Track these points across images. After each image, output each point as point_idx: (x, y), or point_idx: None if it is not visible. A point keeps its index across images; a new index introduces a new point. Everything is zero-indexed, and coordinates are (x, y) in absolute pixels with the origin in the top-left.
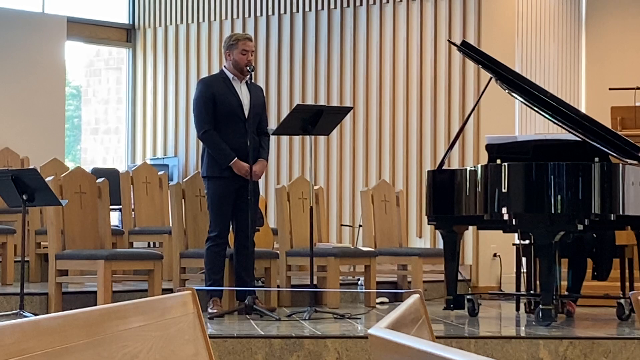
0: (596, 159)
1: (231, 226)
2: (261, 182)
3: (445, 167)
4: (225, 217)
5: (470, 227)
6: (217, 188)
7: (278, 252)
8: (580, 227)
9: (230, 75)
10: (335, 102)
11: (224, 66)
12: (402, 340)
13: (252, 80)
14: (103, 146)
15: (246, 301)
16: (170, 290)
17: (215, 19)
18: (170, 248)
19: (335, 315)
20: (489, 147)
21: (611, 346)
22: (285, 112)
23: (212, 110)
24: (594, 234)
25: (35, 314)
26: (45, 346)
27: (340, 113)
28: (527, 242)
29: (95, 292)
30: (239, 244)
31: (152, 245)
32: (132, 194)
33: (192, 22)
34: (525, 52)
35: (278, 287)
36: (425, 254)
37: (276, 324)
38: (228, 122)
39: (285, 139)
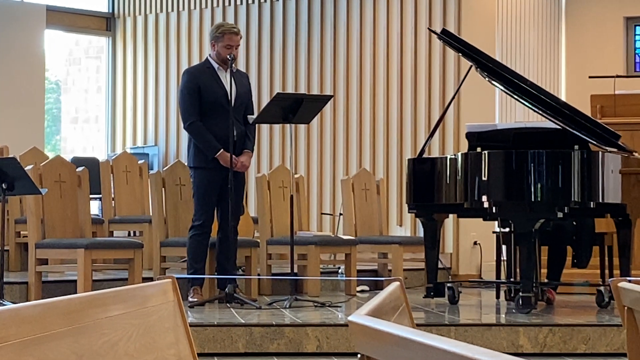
0: (576, 147)
1: (215, 215)
2: None
3: (425, 155)
4: (210, 206)
5: (451, 215)
6: (202, 178)
7: (258, 240)
8: (560, 214)
9: (215, 65)
10: (315, 91)
11: (209, 55)
12: (382, 328)
13: (235, 68)
14: (83, 135)
15: (227, 289)
16: (151, 279)
17: (195, 8)
18: (151, 237)
19: (315, 304)
20: (469, 135)
21: (591, 333)
22: (265, 100)
23: (197, 102)
24: (574, 222)
25: (15, 303)
26: (24, 334)
27: (320, 101)
28: (507, 230)
29: (75, 281)
30: (222, 233)
31: (132, 234)
32: (112, 182)
33: (172, 10)
34: (506, 40)
35: (258, 275)
36: (406, 242)
37: (257, 312)
38: (213, 112)
39: (265, 127)
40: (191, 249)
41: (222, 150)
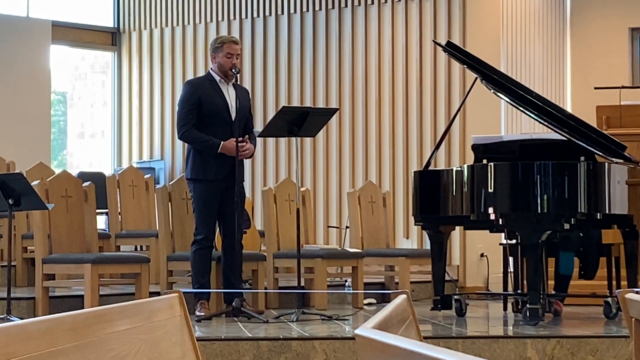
0: (582, 158)
1: (218, 229)
2: (247, 184)
3: (431, 167)
4: (211, 219)
5: (457, 228)
6: (202, 191)
7: (265, 254)
8: (566, 226)
9: (217, 78)
10: (321, 104)
11: (211, 68)
12: (389, 341)
13: (238, 82)
14: (89, 150)
15: (234, 303)
16: (158, 294)
17: (200, 22)
18: (157, 251)
19: (322, 317)
20: (475, 147)
21: (598, 345)
22: (271, 114)
23: (194, 113)
24: (581, 233)
25: (22, 319)
26: (31, 350)
27: (326, 114)
28: (513, 241)
29: (82, 296)
30: (226, 246)
31: (139, 248)
32: (118, 197)
33: (178, 25)
34: (511, 52)
35: (265, 289)
36: (413, 255)
37: (264, 326)
38: (214, 124)
39: (271, 140)
40: (195, 263)
41: (222, 142)
